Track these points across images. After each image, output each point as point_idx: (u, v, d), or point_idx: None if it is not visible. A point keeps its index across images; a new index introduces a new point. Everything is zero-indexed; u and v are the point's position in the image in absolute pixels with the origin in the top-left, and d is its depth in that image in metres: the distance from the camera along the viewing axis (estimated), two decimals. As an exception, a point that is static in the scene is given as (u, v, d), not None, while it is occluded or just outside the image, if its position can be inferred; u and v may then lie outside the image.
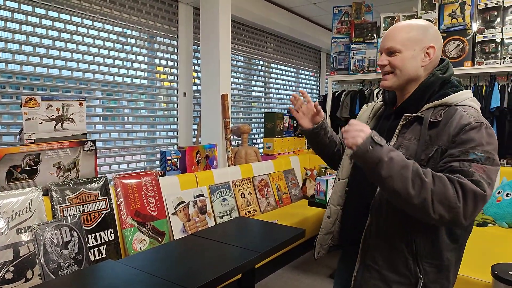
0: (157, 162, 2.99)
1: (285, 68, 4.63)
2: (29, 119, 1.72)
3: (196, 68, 3.32)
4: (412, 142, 0.94)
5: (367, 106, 1.19)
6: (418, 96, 0.99)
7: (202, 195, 2.39)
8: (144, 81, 2.93)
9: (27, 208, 1.61)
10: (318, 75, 5.43)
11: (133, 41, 2.80)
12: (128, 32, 2.76)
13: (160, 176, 2.25)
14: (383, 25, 3.40)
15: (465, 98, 0.95)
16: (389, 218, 0.95)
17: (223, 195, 2.54)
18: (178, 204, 2.23)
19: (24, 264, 1.52)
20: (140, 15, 2.81)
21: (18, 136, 2.14)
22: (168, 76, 3.12)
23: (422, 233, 0.93)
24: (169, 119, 3.15)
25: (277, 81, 4.48)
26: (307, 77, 5.09)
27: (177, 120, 3.18)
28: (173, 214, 2.18)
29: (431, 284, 0.94)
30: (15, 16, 2.11)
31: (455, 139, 0.88)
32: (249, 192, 2.74)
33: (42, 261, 1.56)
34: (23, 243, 1.55)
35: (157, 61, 3.01)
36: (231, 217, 2.51)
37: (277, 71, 4.48)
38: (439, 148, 0.90)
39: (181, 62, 3.17)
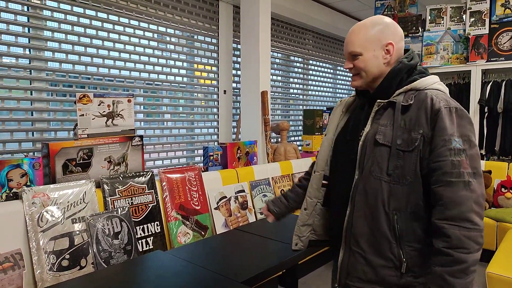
0: (197, 158, 3.04)
1: (324, 64, 4.56)
2: (82, 115, 1.81)
3: (236, 66, 3.35)
4: (388, 128, 0.98)
5: (340, 101, 1.22)
6: (387, 83, 1.03)
7: (243, 191, 2.41)
8: (185, 79, 2.99)
9: (81, 199, 1.69)
10: (357, 71, 5.30)
11: (175, 40, 2.87)
12: (171, 31, 2.83)
13: (202, 171, 2.29)
14: (429, 17, 3.27)
15: (432, 82, 1.00)
16: (370, 205, 0.98)
17: (263, 191, 2.54)
18: (220, 199, 2.26)
19: (79, 253, 1.60)
20: (182, 15, 2.88)
21: (72, 131, 2.26)
22: (209, 74, 3.17)
23: (404, 218, 0.95)
24: (209, 116, 3.20)
25: (315, 77, 4.43)
26: (345, 73, 4.99)
27: (218, 117, 3.23)
28: (215, 208, 2.21)
29: (415, 267, 0.96)
30: (68, 18, 2.22)
31: (432, 125, 0.93)
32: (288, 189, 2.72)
33: (95, 250, 1.63)
34: (77, 232, 1.63)
35: (198, 59, 3.06)
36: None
37: (316, 67, 4.43)
38: (422, 136, 0.94)
39: (221, 60, 3.21)
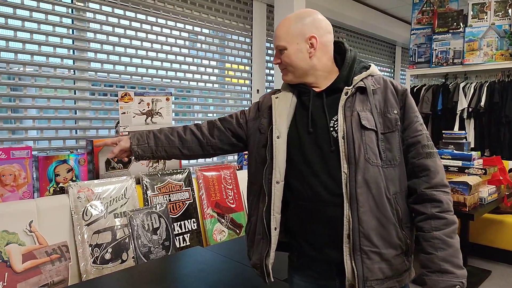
0: (230, 157, 3.06)
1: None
2: (124, 113, 1.86)
3: (269, 65, 3.35)
4: (367, 113, 0.96)
5: (277, 97, 1.08)
6: (348, 70, 1.02)
7: (277, 190, 2.39)
8: (219, 79, 3.02)
9: (122, 195, 1.74)
10: (392, 70, 5.17)
11: (210, 40, 2.90)
12: (206, 31, 2.86)
13: (237, 169, 2.30)
14: (471, 13, 3.12)
15: (377, 69, 1.06)
16: (374, 195, 0.92)
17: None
18: (255, 198, 2.26)
19: (120, 247, 1.65)
20: (217, 15, 2.90)
21: (112, 129, 2.33)
22: (242, 73, 3.18)
23: (401, 199, 0.96)
24: (242, 116, 3.21)
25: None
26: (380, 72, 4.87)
27: (250, 117, 3.23)
28: (250, 207, 2.21)
29: (412, 245, 0.98)
30: (109, 20, 2.30)
31: (401, 104, 0.99)
32: (323, 189, 2.69)
33: (135, 245, 1.67)
34: (119, 227, 1.68)
35: (232, 59, 3.08)
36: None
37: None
38: (397, 116, 0.97)
39: (255, 59, 3.21)
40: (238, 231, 2.10)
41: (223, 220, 2.06)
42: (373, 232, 0.92)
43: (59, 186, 1.63)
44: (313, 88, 1.03)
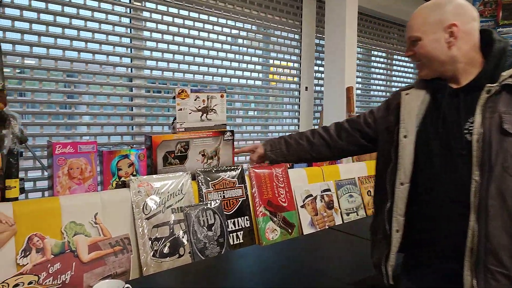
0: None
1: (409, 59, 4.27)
2: (181, 109, 1.88)
3: (318, 61, 3.28)
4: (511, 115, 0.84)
5: (407, 94, 1.01)
6: (494, 65, 0.88)
7: (329, 190, 2.33)
8: (262, 75, 2.99)
9: (179, 190, 1.76)
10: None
11: (260, 37, 2.88)
12: (255, 28, 2.85)
13: (288, 168, 2.26)
14: (543, 2, 2.87)
15: None
16: (509, 210, 0.81)
17: (349, 191, 2.44)
18: (306, 197, 2.21)
19: (177, 241, 1.67)
20: (266, 11, 2.88)
21: (165, 126, 2.38)
22: (291, 70, 3.13)
23: None
24: (290, 113, 3.17)
25: (400, 73, 4.17)
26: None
27: (298, 115, 3.18)
28: (302, 206, 2.17)
29: None
30: (164, 18, 2.34)
31: None
32: (376, 190, 2.58)
33: (191, 240, 1.69)
34: (176, 222, 1.70)
35: (281, 56, 3.05)
36: (357, 215, 2.40)
37: (402, 63, 4.17)
38: None
39: (304, 56, 3.15)
40: (290, 231, 2.06)
41: (275, 219, 2.03)
42: (504, 251, 0.81)
43: (121, 180, 1.68)
44: (451, 84, 0.95)
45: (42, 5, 1.88)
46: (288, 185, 2.17)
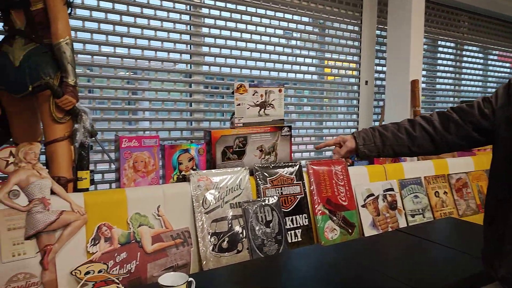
0: (329, 152, 2.92)
1: (483, 50, 3.92)
2: (239, 104, 1.87)
3: (379, 54, 3.11)
4: None
5: None
6: None
7: (392, 189, 2.20)
8: (321, 69, 2.90)
9: (237, 185, 1.75)
10: (524, 57, 4.42)
11: (318, 30, 2.80)
12: (310, 20, 2.77)
13: (348, 165, 2.16)
14: None
15: None
16: None
17: (414, 191, 2.28)
18: (368, 197, 2.10)
19: (236, 237, 1.66)
20: (325, 3, 2.78)
21: (223, 121, 2.39)
22: (350, 64, 3.01)
23: None
24: (349, 109, 3.05)
25: (472, 65, 3.84)
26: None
27: (358, 110, 3.05)
28: (363, 206, 2.07)
29: None
30: (222, 14, 2.34)
31: None
32: (444, 191, 2.39)
33: (250, 236, 1.67)
34: (234, 217, 1.69)
35: (340, 49, 2.94)
36: (424, 217, 2.24)
37: (472, 53, 3.83)
38: None
39: (364, 48, 3.01)
40: (350, 231, 1.97)
41: (335, 218, 1.95)
42: None
43: (181, 174, 1.71)
44: None
45: (109, 5, 1.97)
46: (348, 183, 2.07)
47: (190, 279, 1.03)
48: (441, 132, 1.08)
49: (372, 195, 2.12)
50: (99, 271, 1.02)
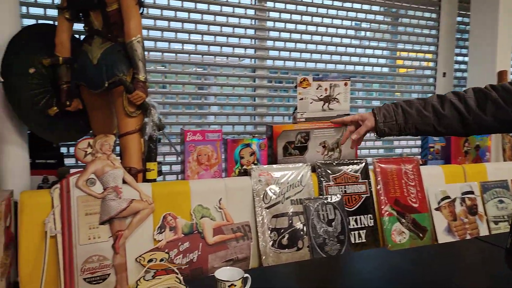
0: (407, 150, 2.73)
1: None
2: (302, 98, 1.82)
3: (460, 43, 2.83)
4: None
5: None
6: None
7: (472, 192, 1.99)
8: (389, 61, 2.71)
9: (299, 182, 1.71)
10: None
11: (389, 19, 2.62)
12: (384, 10, 2.60)
13: (421, 164, 2.00)
14: None
15: None
16: None
17: (498, 195, 2.04)
18: (442, 199, 1.93)
19: (296, 234, 1.63)
20: (398, -10, 2.60)
21: (285, 116, 2.36)
22: (425, 54, 2.78)
23: None
24: (423, 103, 2.82)
25: None
26: None
27: (433, 104, 2.81)
28: (436, 209, 1.90)
29: None
30: (287, 7, 2.30)
31: None
32: (537, 197, 2.10)
33: (311, 234, 1.62)
34: (295, 214, 1.66)
35: (413, 38, 2.72)
36: (509, 224, 1.99)
37: None
38: None
39: (442, 37, 2.75)
40: (421, 235, 1.83)
41: (404, 220, 1.82)
42: None
43: (243, 168, 1.72)
44: None
45: (178, 3, 2.04)
46: (419, 184, 1.92)
47: (246, 275, 1.03)
48: (475, 112, 0.95)
49: (447, 197, 1.94)
50: (161, 260, 1.07)
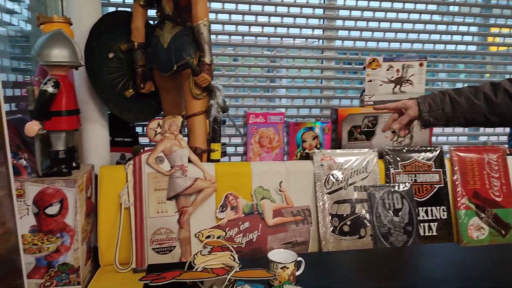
0: (494, 138, 2.44)
1: None
2: (370, 80, 1.72)
3: None
4: None
5: None
6: None
7: None
8: (476, 39, 2.42)
9: (363, 168, 1.64)
10: None
11: (479, -10, 2.33)
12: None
13: (508, 154, 1.78)
14: None
15: None
16: None
17: None
18: (533, 194, 1.70)
19: (358, 222, 1.57)
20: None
21: (353, 99, 2.26)
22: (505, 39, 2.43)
23: None
24: None
25: None
26: None
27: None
28: (524, 205, 1.68)
29: None
30: (360, -17, 2.17)
31: None
32: None
33: (374, 223, 1.56)
34: (358, 201, 1.60)
35: (507, 11, 2.39)
36: None
37: None
38: None
39: (544, 9, 2.38)
40: (503, 232, 1.64)
41: (483, 215, 1.65)
42: None
43: (305, 152, 1.69)
44: None
45: (246, -15, 2.04)
46: (505, 176, 1.71)
47: (299, 258, 1.02)
48: None
49: (539, 193, 1.70)
50: (218, 237, 1.11)
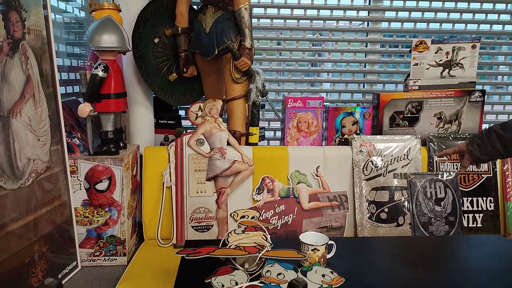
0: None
1: None
2: (416, 64, 1.65)
3: None
4: None
5: None
6: None
7: None
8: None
9: (405, 155, 1.59)
10: None
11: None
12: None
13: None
14: None
15: None
16: None
17: None
18: None
19: (397, 209, 1.54)
20: None
21: (399, 84, 2.18)
22: None
23: None
24: None
25: None
26: None
27: None
28: None
29: None
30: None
31: None
32: None
33: (414, 211, 1.52)
34: (398, 188, 1.56)
35: None
36: None
37: None
38: None
39: None
40: (558, 228, 1.53)
41: (536, 209, 1.55)
42: None
43: (343, 137, 1.67)
44: None
45: (288, -33, 2.01)
46: None
47: (331, 242, 1.03)
48: None
49: None
50: (252, 217, 1.14)
